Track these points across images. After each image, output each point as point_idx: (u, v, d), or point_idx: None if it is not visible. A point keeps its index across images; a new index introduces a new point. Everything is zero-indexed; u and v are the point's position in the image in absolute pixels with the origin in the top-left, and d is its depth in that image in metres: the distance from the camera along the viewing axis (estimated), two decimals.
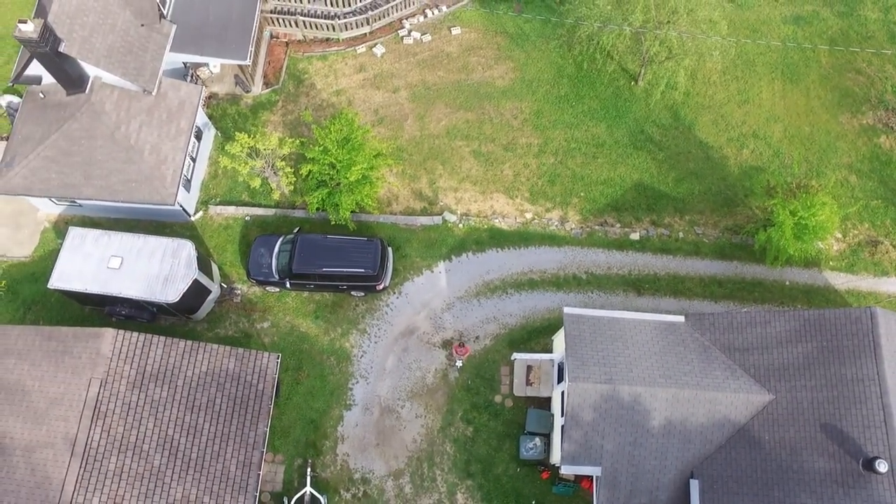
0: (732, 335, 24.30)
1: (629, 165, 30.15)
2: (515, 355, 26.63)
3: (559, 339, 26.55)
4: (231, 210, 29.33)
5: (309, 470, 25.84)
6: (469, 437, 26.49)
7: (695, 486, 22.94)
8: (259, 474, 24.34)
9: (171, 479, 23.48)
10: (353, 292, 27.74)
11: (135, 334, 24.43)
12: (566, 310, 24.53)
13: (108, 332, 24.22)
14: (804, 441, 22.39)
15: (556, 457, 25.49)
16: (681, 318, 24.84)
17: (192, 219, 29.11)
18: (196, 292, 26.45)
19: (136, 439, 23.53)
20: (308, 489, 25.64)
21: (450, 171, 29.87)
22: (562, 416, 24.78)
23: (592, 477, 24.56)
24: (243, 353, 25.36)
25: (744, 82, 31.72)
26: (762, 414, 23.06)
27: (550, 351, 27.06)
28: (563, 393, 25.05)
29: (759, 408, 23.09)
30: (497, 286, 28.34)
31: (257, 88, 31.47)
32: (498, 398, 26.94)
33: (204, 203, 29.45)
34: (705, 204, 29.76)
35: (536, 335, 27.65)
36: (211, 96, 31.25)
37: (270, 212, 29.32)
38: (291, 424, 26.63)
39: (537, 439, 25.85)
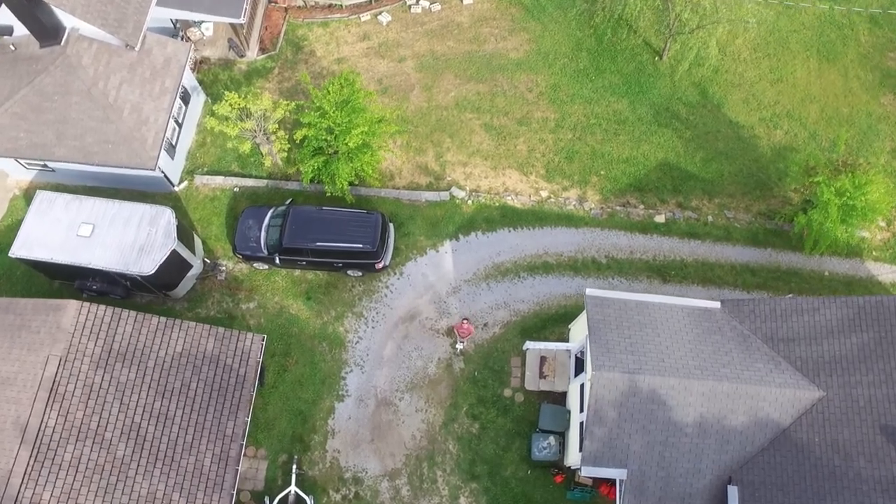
0: (775, 324, 20.85)
1: (653, 143, 26.86)
2: (528, 345, 23.19)
3: (577, 328, 23.13)
4: (219, 181, 25.99)
5: (294, 467, 22.30)
6: (475, 435, 23.02)
7: (733, 493, 19.40)
8: (237, 470, 20.80)
9: (136, 473, 19.91)
10: (349, 271, 24.34)
11: (101, 307, 20.96)
12: (588, 291, 21.11)
13: (71, 304, 20.75)
14: (860, 445, 18.88)
15: (571, 458, 21.98)
16: (716, 304, 21.39)
17: (176, 189, 25.76)
18: (175, 266, 23.04)
19: (98, 426, 19.98)
20: (293, 489, 22.08)
21: (458, 144, 26.58)
22: (581, 411, 21.31)
23: (612, 482, 21.07)
24: (224, 333, 21.88)
25: (776, 60, 28.49)
26: (811, 413, 19.57)
27: (567, 341, 23.65)
28: (582, 386, 21.60)
29: (807, 406, 19.60)
30: (508, 269, 24.96)
31: (252, 54, 28.22)
32: (507, 392, 23.47)
33: (189, 173, 26.10)
34: (736, 186, 26.44)
35: (551, 323, 24.22)
36: (202, 61, 27.99)
37: (262, 183, 25.98)
38: (276, 416, 23.13)
39: (551, 438, 22.34)
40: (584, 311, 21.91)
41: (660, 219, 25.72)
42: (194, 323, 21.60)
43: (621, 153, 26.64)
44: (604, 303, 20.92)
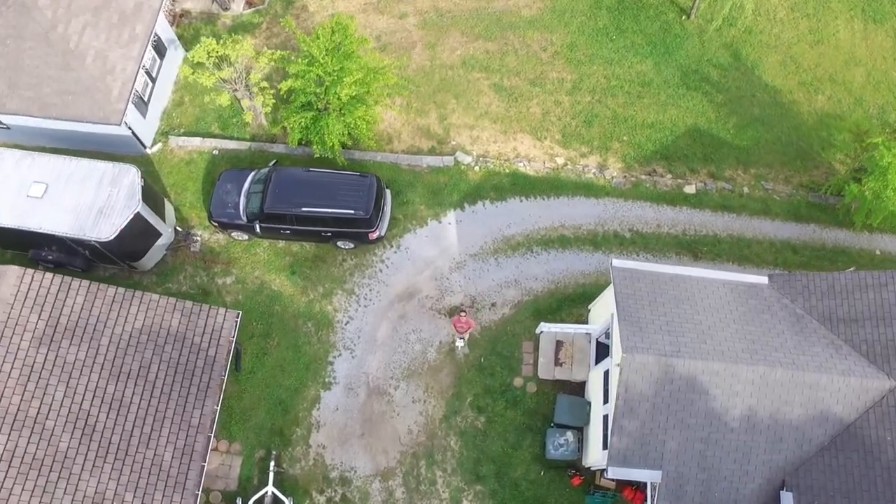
0: (834, 301, 17.35)
1: (681, 108, 23.42)
2: (542, 327, 19.72)
3: (599, 308, 19.65)
4: (196, 142, 22.58)
5: (272, 464, 18.81)
6: (480, 430, 19.55)
7: (787, 500, 15.88)
8: (203, 466, 17.33)
9: (83, 469, 16.42)
10: (339, 242, 20.90)
11: (48, 275, 17.52)
12: (615, 262, 17.64)
13: (11, 270, 17.32)
14: None
15: (592, 457, 18.48)
16: (763, 279, 17.91)
17: (149, 151, 22.36)
18: (140, 232, 19.61)
19: (38, 413, 16.50)
20: (270, 489, 18.57)
21: (465, 105, 23.16)
22: (605, 402, 17.82)
23: (640, 485, 17.56)
24: (192, 308, 18.42)
25: (816, 20, 25.04)
26: (880, 406, 16.04)
27: (586, 323, 20.21)
28: (606, 374, 18.10)
29: (875, 398, 16.07)
30: (520, 243, 21.49)
31: (238, 7, 24.81)
32: (518, 381, 20.00)
33: (164, 135, 22.73)
34: (774, 156, 22.99)
35: (568, 304, 20.74)
36: (182, 14, 24.61)
37: (244, 145, 22.54)
38: (254, 405, 19.65)
39: (569, 434, 18.83)
40: (610, 287, 18.45)
41: (690, 189, 22.27)
42: (157, 295, 18.14)
43: (646, 118, 23.19)
44: (633, 276, 17.44)
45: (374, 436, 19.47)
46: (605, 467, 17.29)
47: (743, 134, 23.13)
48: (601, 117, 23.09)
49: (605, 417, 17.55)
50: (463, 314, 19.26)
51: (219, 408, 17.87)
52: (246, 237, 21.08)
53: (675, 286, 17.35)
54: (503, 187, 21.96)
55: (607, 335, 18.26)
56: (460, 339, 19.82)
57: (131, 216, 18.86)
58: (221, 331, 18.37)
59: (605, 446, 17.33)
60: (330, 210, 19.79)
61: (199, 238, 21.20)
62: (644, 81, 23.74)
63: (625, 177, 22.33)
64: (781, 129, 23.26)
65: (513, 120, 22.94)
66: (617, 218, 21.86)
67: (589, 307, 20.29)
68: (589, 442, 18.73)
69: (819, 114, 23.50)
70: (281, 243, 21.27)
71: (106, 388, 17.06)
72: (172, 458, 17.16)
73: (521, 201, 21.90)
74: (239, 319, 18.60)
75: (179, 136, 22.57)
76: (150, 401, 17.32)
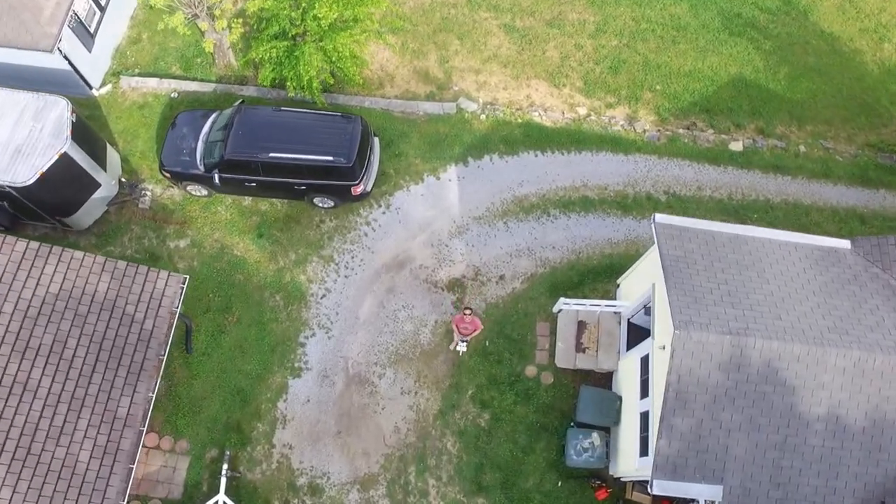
0: None
1: (723, 55, 19.25)
2: (561, 305, 15.50)
3: (631, 283, 15.43)
4: (152, 84, 18.43)
5: (225, 467, 14.63)
6: (483, 430, 15.38)
7: None
8: (131, 469, 13.11)
9: None
10: (316, 199, 16.72)
11: None
12: (658, 217, 13.41)
13: None
14: None
15: (622, 466, 14.25)
16: (845, 243, 13.72)
17: (96, 93, 18.22)
18: (71, 180, 15.42)
19: None
20: (221, 498, 14.43)
21: (470, 47, 19.03)
22: (643, 397, 13.58)
23: (693, 502, 13.32)
24: (126, 270, 14.20)
25: None
26: None
27: (615, 300, 16.07)
28: (644, 360, 13.88)
29: None
30: (534, 204, 17.31)
31: None
32: (530, 370, 15.82)
33: (115, 74, 18.68)
34: (834, 111, 18.82)
35: (592, 278, 16.54)
36: None
37: (208, 87, 18.34)
38: (206, 395, 15.44)
39: (595, 436, 14.61)
40: (648, 254, 14.27)
41: (736, 147, 18.11)
42: (80, 253, 13.96)
43: (682, 65, 19.02)
44: (682, 235, 13.23)
45: (352, 434, 15.29)
46: (642, 479, 13.15)
47: (796, 86, 18.95)
48: (629, 63, 18.92)
49: (644, 416, 13.33)
50: (468, 312, 14.95)
51: (154, 395, 13.67)
52: (205, 192, 16.90)
53: (735, 248, 13.13)
54: (514, 139, 17.78)
55: (648, 310, 14.04)
56: (462, 342, 15.52)
57: (56, 157, 14.68)
58: (162, 299, 14.16)
59: (643, 452, 13.11)
60: (304, 157, 15.59)
61: (148, 193, 17.02)
62: (679, 25, 19.55)
63: (659, 130, 18.16)
64: (842, 80, 19.07)
65: (526, 64, 18.78)
66: (650, 178, 17.67)
67: (618, 282, 16.09)
68: (619, 446, 14.52)
69: (887, 65, 19.27)
70: (247, 200, 17.10)
71: (6, 368, 12.83)
72: (91, 458, 12.88)
73: (536, 156, 17.72)
74: (185, 286, 14.42)
75: (133, 76, 18.49)
76: (64, 385, 13.06)
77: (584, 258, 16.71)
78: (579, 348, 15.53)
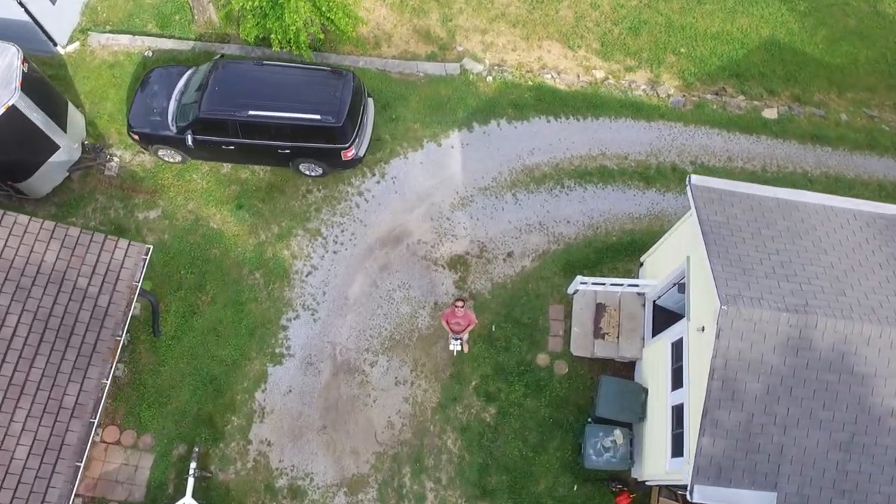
0: None
1: (754, 16, 17.18)
2: (578, 283, 13.36)
3: (660, 258, 13.31)
4: (124, 41, 16.39)
5: (193, 466, 12.57)
6: (489, 426, 13.28)
7: None
8: (78, 468, 11.02)
9: None
10: (302, 166, 14.66)
11: None
12: (694, 178, 11.31)
13: None
14: None
15: (649, 468, 12.13)
16: None
17: (62, 51, 16.17)
18: (22, 139, 13.30)
19: None
20: (188, 501, 12.37)
21: (475, 5, 16.96)
22: (675, 388, 11.47)
23: None
24: (78, 237, 12.09)
25: None
26: None
27: (638, 279, 13.98)
28: (676, 345, 11.72)
29: None
30: (546, 174, 15.23)
31: None
32: (542, 358, 13.74)
33: (84, 31, 16.68)
34: (878, 77, 16.72)
35: (611, 256, 14.46)
36: None
37: (186, 45, 16.29)
38: (175, 384, 13.35)
39: (617, 433, 12.49)
40: (679, 225, 12.19)
41: (770, 114, 16.06)
42: (25, 217, 11.91)
43: (709, 27, 16.97)
44: (723, 199, 11.15)
45: (339, 430, 13.22)
46: (673, 483, 11.09)
47: (835, 50, 16.90)
48: (651, 24, 16.86)
49: (677, 409, 11.22)
50: (460, 305, 12.51)
51: (109, 381, 11.58)
52: (178, 158, 14.84)
53: (785, 215, 11.05)
54: (525, 103, 15.72)
55: (681, 288, 11.93)
56: (455, 340, 13.28)
57: (2, 110, 12.68)
58: (120, 272, 12.09)
59: (676, 452, 11.01)
60: (288, 115, 13.50)
61: (116, 159, 14.98)
62: None
63: (684, 96, 16.09)
64: (886, 44, 16.99)
65: (537, 24, 16.73)
66: (675, 147, 15.62)
67: (641, 259, 14.01)
68: (644, 445, 12.43)
69: None
70: (225, 168, 15.05)
71: None
72: (29, 455, 10.75)
73: (549, 121, 15.66)
74: (148, 257, 12.37)
75: (103, 33, 16.48)
76: None
77: (602, 234, 14.63)
78: (598, 334, 13.45)
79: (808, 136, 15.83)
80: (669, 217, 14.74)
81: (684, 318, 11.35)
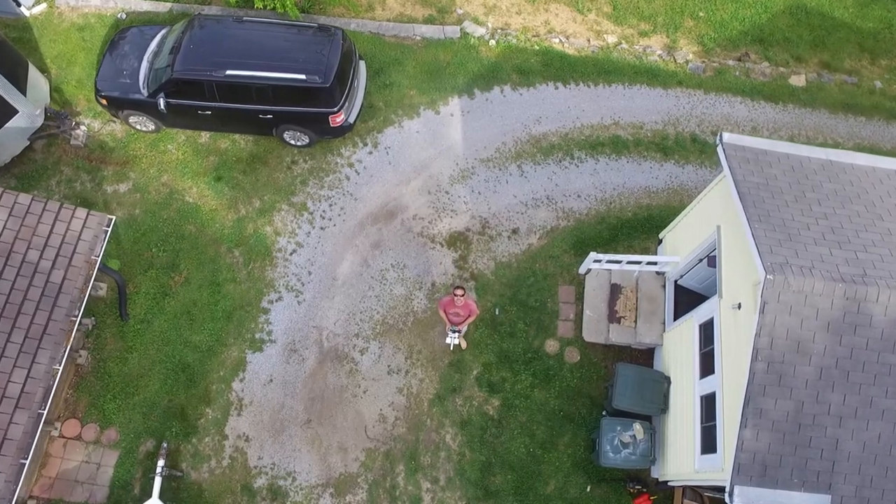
0: None
1: None
2: (591, 262, 11.84)
3: (681, 233, 11.79)
4: (95, 2, 14.76)
5: (161, 463, 11.09)
6: (492, 420, 11.78)
7: None
8: (23, 465, 9.51)
9: None
10: (286, 134, 13.12)
11: None
12: (726, 137, 9.82)
13: None
14: None
15: (673, 466, 10.60)
16: None
17: (27, 13, 14.60)
18: None
19: None
20: (155, 503, 10.91)
21: None
22: (705, 375, 9.97)
23: None
24: (29, 205, 10.55)
25: None
26: None
27: (656, 255, 12.48)
28: (704, 328, 10.25)
29: None
30: (555, 145, 13.78)
31: None
32: (551, 345, 12.26)
33: None
34: None
35: (626, 233, 12.97)
36: None
37: (163, 7, 14.73)
38: (144, 372, 11.88)
39: (637, 426, 10.98)
40: (706, 195, 10.70)
41: (797, 81, 14.58)
42: None
43: None
44: (760, 159, 9.68)
45: (326, 424, 11.71)
46: (703, 483, 9.60)
47: (867, 14, 15.40)
48: None
49: (707, 399, 9.73)
50: (460, 293, 10.65)
51: (62, 367, 10.11)
52: (152, 126, 13.36)
53: (831, 177, 9.56)
54: (531, 69, 14.24)
55: (711, 261, 10.45)
56: (453, 333, 11.55)
57: None
58: (77, 244, 10.61)
59: (706, 448, 9.51)
60: (269, 75, 12.03)
61: (83, 127, 13.53)
62: None
63: (703, 62, 14.64)
64: None
65: None
66: (694, 116, 14.14)
67: (660, 236, 12.51)
68: (667, 441, 10.94)
69: None
70: (203, 137, 13.57)
71: None
72: None
73: (557, 88, 14.17)
74: (110, 229, 10.90)
75: None
76: None
77: (616, 209, 13.14)
78: (613, 318, 11.96)
79: (839, 105, 14.34)
80: (690, 191, 13.25)
81: (715, 296, 9.88)
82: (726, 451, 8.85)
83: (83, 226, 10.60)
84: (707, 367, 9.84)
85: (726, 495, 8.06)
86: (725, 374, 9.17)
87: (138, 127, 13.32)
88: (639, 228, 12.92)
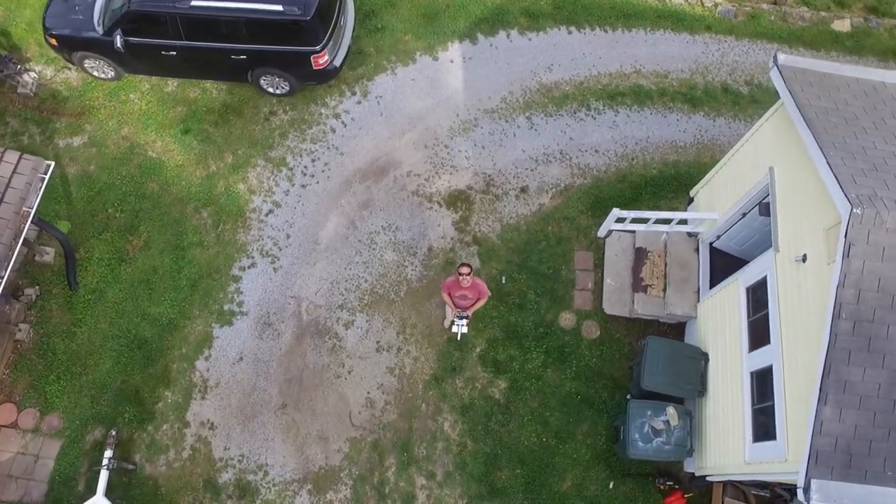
0: None
1: None
2: (612, 221, 9.99)
3: (719, 187, 9.84)
4: None
5: (108, 455, 9.25)
6: (498, 405, 9.90)
7: None
8: None
9: None
10: (264, 80, 11.21)
11: None
12: (781, 58, 8.06)
13: None
14: None
15: (714, 458, 8.74)
16: None
17: None
18: None
19: None
20: (98, 502, 9.10)
21: None
22: (750, 349, 8.18)
23: None
24: None
25: None
26: None
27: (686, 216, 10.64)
28: (752, 291, 8.42)
29: None
30: (568, 94, 11.91)
31: None
32: (567, 318, 10.41)
33: None
34: None
35: (650, 192, 11.08)
36: None
37: None
38: (95, 349, 10.00)
39: (671, 410, 9.17)
40: (743, 145, 8.87)
41: (841, 26, 12.74)
42: None
43: None
44: (824, 82, 7.79)
45: (304, 409, 9.86)
46: (751, 478, 7.79)
47: None
48: None
49: (758, 377, 7.92)
50: (465, 272, 8.65)
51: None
52: (111, 73, 11.51)
53: None
54: (540, 11, 12.35)
55: (764, 208, 8.58)
56: (460, 320, 9.43)
57: None
58: (5, 193, 8.85)
59: (760, 435, 7.64)
60: (240, 6, 10.25)
61: (33, 74, 11.75)
62: None
63: (735, 6, 12.84)
64: None
65: None
66: (725, 64, 12.31)
67: (692, 193, 10.66)
68: (706, 429, 9.11)
69: None
70: (170, 85, 11.76)
71: None
72: None
73: (570, 33, 12.33)
74: (48, 176, 9.07)
75: None
76: None
77: (638, 166, 11.31)
78: (638, 287, 10.13)
79: (889, 52, 12.48)
80: (722, 146, 11.41)
81: (768, 252, 8.06)
82: (790, 436, 7.02)
83: (13, 171, 8.76)
84: (759, 337, 7.99)
85: (800, 491, 6.22)
86: (786, 343, 7.35)
87: (95, 73, 11.51)
88: (665, 187, 11.08)
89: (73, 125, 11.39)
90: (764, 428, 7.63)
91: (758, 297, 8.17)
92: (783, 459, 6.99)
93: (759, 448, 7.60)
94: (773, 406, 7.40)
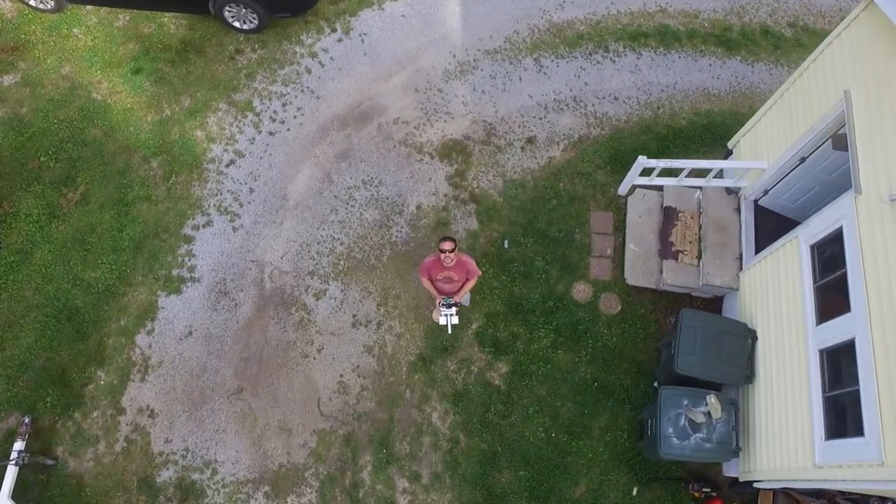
0: None
1: None
2: (635, 175, 8.13)
3: (765, 134, 8.06)
4: None
5: (19, 446, 7.46)
6: (498, 391, 8.05)
7: None
8: None
9: None
10: (228, 10, 9.23)
11: None
12: None
13: None
14: None
15: (764, 460, 6.84)
16: None
17: None
18: None
19: None
20: (3, 503, 7.29)
21: None
22: (819, 322, 6.36)
23: None
24: None
25: None
26: None
27: (722, 171, 8.76)
28: (817, 250, 6.66)
29: None
30: (582, 35, 10.13)
31: None
32: (581, 290, 8.58)
33: None
34: None
35: (679, 145, 9.23)
36: None
37: None
38: (16, 320, 8.12)
39: (712, 400, 7.27)
40: (806, 68, 7.09)
41: None
42: None
43: None
44: None
45: (263, 395, 8.03)
46: (819, 485, 5.97)
47: None
48: None
49: (830, 356, 6.09)
50: (448, 248, 6.56)
51: None
52: (51, 3, 9.76)
53: None
54: None
55: (839, 141, 6.72)
56: (447, 308, 7.22)
57: None
58: None
59: (834, 431, 5.79)
60: None
61: None
62: None
63: None
64: None
65: None
66: (765, 4, 10.46)
67: (730, 144, 8.77)
68: (754, 424, 7.28)
69: None
70: (121, 19, 9.98)
71: None
72: None
73: None
74: None
75: None
76: None
77: (665, 116, 9.48)
78: (667, 253, 8.32)
79: None
80: (762, 94, 9.59)
81: (845, 195, 6.24)
82: (886, 433, 5.21)
83: None
84: (832, 305, 6.16)
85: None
86: (875, 309, 5.54)
87: (33, 3, 9.70)
88: (696, 139, 9.25)
89: (4, 62, 9.56)
90: (841, 421, 5.79)
91: (828, 255, 6.34)
92: (878, 462, 5.16)
93: (837, 447, 5.77)
94: (857, 392, 5.58)
